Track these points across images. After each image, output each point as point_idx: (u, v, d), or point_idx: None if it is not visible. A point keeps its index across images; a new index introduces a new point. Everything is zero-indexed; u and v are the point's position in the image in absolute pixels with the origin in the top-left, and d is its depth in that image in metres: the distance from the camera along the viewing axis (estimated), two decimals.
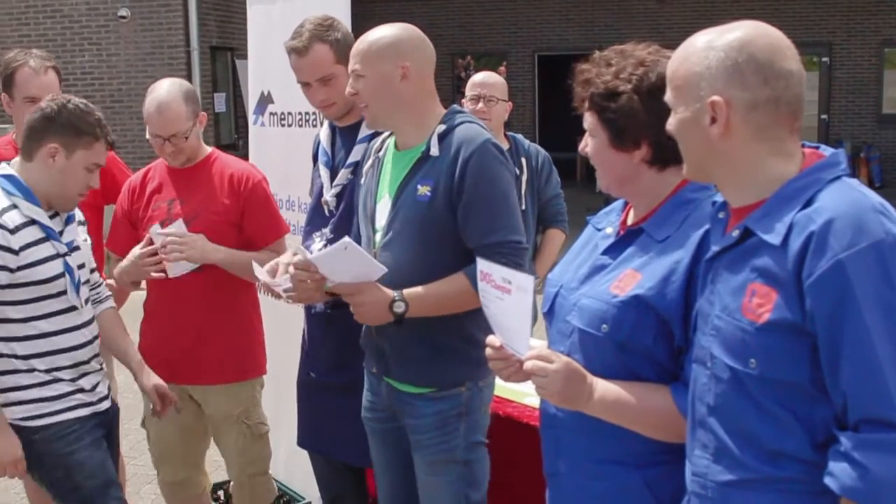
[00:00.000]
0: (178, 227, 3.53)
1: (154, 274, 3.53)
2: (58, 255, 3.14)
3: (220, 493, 4.29)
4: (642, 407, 2.10)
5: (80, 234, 3.29)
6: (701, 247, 2.08)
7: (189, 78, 13.54)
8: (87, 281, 3.31)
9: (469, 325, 2.85)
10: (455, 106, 3.00)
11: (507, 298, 2.19)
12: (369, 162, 3.08)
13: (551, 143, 22.33)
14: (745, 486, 1.85)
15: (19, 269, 3.06)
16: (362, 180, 3.09)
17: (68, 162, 3.15)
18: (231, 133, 15.21)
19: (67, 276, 3.14)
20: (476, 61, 20.69)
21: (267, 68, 4.48)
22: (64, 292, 3.15)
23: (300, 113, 4.28)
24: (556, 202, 5.00)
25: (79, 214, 3.35)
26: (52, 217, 3.18)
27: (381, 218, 2.95)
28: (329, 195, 3.35)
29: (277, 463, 4.19)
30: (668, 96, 1.96)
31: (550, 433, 2.33)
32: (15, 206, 3.11)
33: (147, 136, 3.63)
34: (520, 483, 3.23)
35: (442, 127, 2.88)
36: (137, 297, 3.81)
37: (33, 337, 3.14)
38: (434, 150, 2.85)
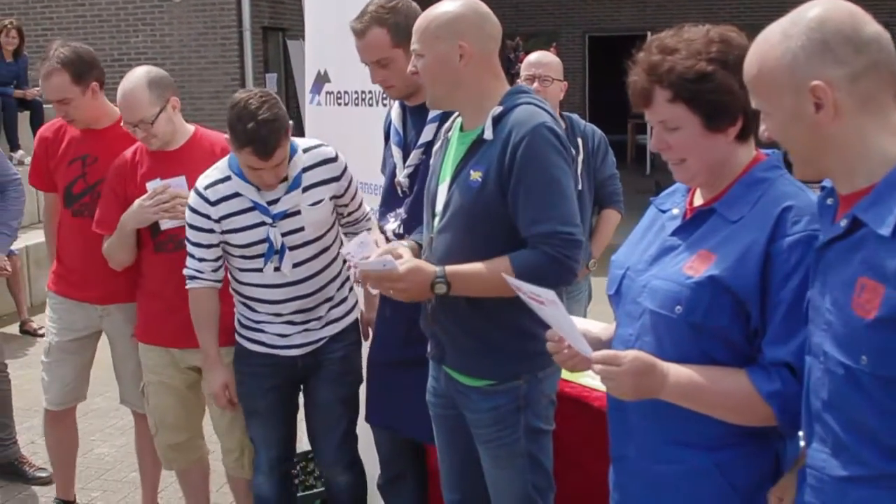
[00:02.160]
0: (181, 183, 3.63)
1: (161, 220, 3.72)
2: (260, 224, 3.41)
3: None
4: (719, 391, 2.05)
5: (305, 199, 3.44)
6: (777, 227, 2.04)
7: (241, 58, 13.65)
8: (315, 240, 3.49)
9: (523, 319, 2.68)
10: (520, 85, 2.91)
11: (544, 309, 2.18)
12: (439, 143, 3.03)
13: (601, 125, 22.04)
14: (863, 483, 1.78)
15: (224, 233, 3.44)
16: (431, 161, 3.04)
17: None
18: None
19: (267, 243, 3.41)
20: (525, 42, 20.60)
21: (323, 47, 4.48)
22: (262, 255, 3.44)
23: (356, 92, 4.26)
24: (612, 182, 4.99)
25: (307, 179, 3.46)
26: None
27: (440, 202, 2.89)
28: (402, 176, 3.31)
29: None
30: (756, 103, 1.88)
31: (618, 415, 2.30)
32: (229, 179, 3.42)
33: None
34: (580, 463, 3.20)
35: (498, 109, 2.78)
36: None
37: (246, 284, 3.53)
38: (488, 134, 2.76)
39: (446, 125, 3.04)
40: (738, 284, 2.04)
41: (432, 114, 3.24)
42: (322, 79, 4.56)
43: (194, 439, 4.13)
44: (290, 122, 3.36)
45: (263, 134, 3.20)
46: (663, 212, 2.33)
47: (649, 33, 19.74)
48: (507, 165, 2.70)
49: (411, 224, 3.22)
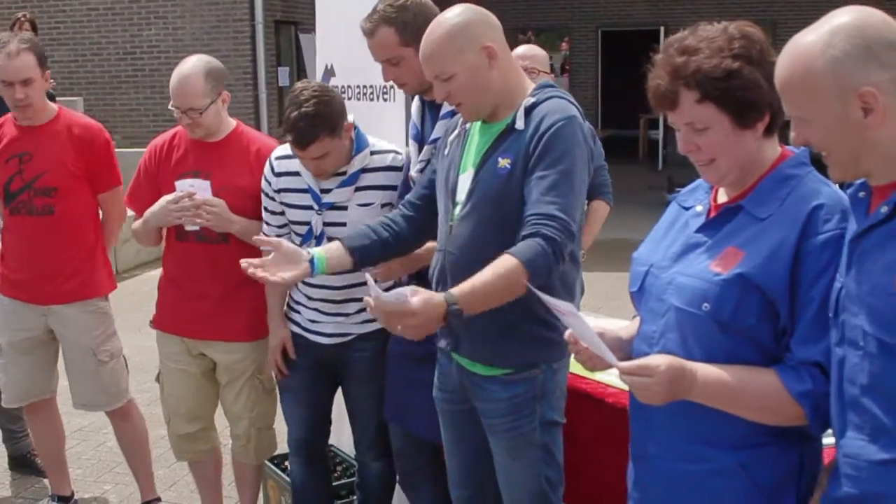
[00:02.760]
0: (205, 188, 3.64)
1: (181, 223, 3.71)
2: (307, 208, 3.51)
3: (287, 464, 4.33)
4: (748, 391, 2.04)
5: (356, 197, 3.47)
6: (808, 225, 2.02)
7: (253, 52, 13.65)
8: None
9: (540, 308, 2.62)
10: (547, 80, 2.93)
11: (565, 319, 2.17)
12: (455, 133, 3.00)
13: (614, 120, 22.00)
14: None
15: (281, 204, 3.58)
16: (446, 151, 3.02)
17: None
18: None
19: (307, 227, 3.52)
20: (536, 36, 20.56)
21: (331, 41, 4.48)
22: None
23: (359, 86, 4.26)
24: (601, 173, 4.89)
25: (365, 179, 3.49)
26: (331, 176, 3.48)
27: (463, 190, 2.88)
28: (414, 171, 3.31)
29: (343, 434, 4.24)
30: (794, 110, 1.87)
31: (640, 414, 2.27)
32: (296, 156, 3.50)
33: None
34: (595, 460, 3.19)
35: (530, 100, 2.79)
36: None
37: None
38: (519, 124, 2.77)
39: (461, 118, 3.03)
40: (767, 282, 2.02)
41: (445, 110, 3.23)
42: (329, 73, 4.57)
43: (206, 430, 4.15)
44: (350, 121, 3.41)
45: (301, 126, 3.28)
46: (686, 208, 2.31)
47: (662, 28, 19.74)
48: (531, 152, 2.71)
49: None
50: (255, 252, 3.39)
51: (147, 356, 4.12)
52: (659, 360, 2.02)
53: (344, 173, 3.48)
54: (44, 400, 4.47)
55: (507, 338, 2.83)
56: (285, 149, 3.60)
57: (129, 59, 14.17)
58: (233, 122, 3.90)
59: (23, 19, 11.00)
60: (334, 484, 4.07)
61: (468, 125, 2.98)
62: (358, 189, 3.48)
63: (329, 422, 3.85)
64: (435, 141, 3.25)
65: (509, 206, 2.74)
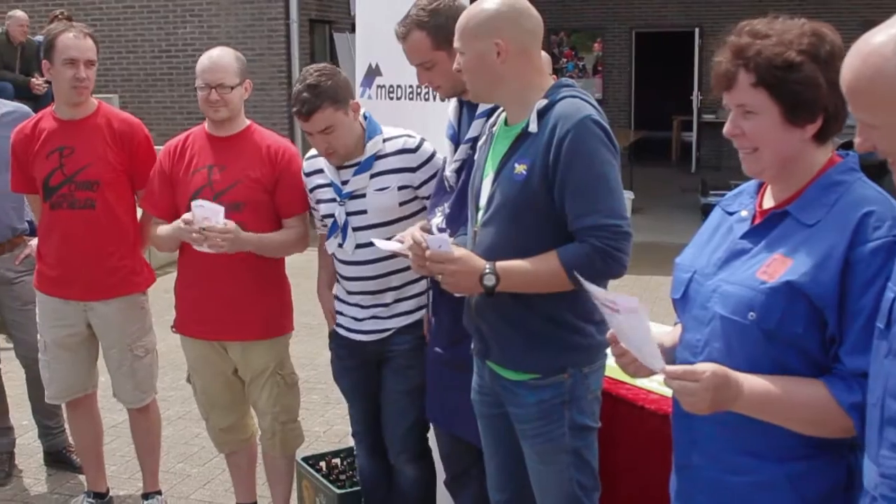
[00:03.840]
0: (218, 212, 3.63)
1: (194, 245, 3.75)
2: (332, 200, 3.61)
3: (322, 464, 4.37)
4: (795, 402, 2.00)
5: (373, 183, 3.56)
6: (857, 232, 1.98)
7: (287, 50, 13.67)
8: (380, 225, 3.55)
9: (564, 311, 2.79)
10: (564, 79, 2.91)
11: (618, 317, 2.10)
12: (483, 138, 3.04)
13: (647, 122, 21.88)
14: None
15: (317, 202, 3.72)
16: (476, 156, 3.05)
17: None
18: None
19: (332, 219, 3.62)
20: (568, 37, 20.48)
21: (375, 40, 4.45)
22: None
23: (410, 86, 4.23)
24: None
25: (379, 165, 3.57)
26: (347, 166, 3.59)
27: (484, 196, 2.90)
28: (449, 170, 3.32)
29: None
30: (862, 114, 1.77)
31: (684, 423, 2.23)
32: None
33: (198, 88, 3.81)
34: (636, 467, 3.16)
35: (543, 102, 2.77)
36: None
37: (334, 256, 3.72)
38: (533, 127, 2.76)
39: (491, 120, 3.05)
40: (815, 291, 1.98)
41: (481, 109, 3.23)
42: (373, 72, 4.54)
43: (243, 418, 4.22)
44: (355, 100, 3.55)
45: (304, 96, 3.43)
46: (730, 213, 2.28)
47: (696, 30, 19.63)
48: (552, 159, 2.70)
49: (454, 219, 3.22)
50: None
51: (181, 353, 4.15)
52: (705, 367, 1.98)
53: (358, 163, 3.57)
54: (85, 395, 4.50)
55: (534, 343, 2.83)
56: (313, 150, 3.71)
57: (164, 56, 14.24)
58: (247, 121, 4.00)
59: (60, 17, 11.13)
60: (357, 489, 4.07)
61: (495, 128, 2.99)
62: (373, 175, 3.57)
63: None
64: (470, 140, 3.25)
65: (527, 212, 2.75)
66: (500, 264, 2.72)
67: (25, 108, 4.99)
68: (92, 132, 4.18)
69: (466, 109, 3.37)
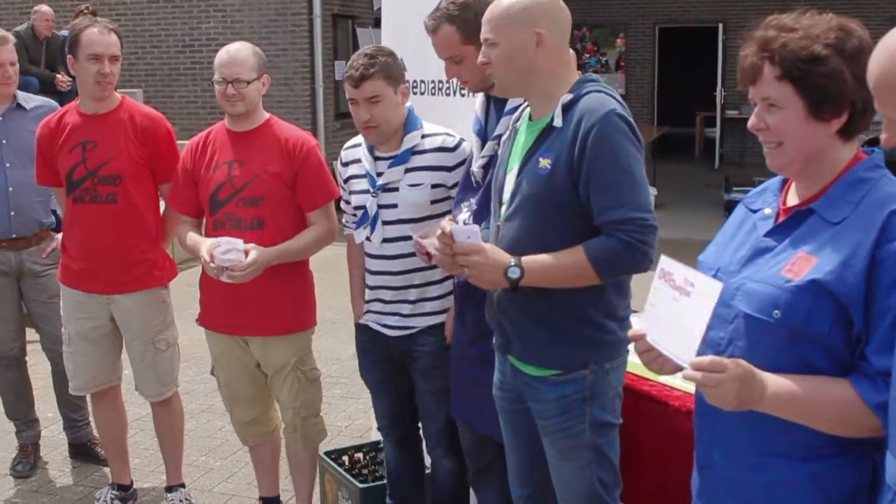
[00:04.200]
0: (236, 245, 3.67)
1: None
2: (365, 192, 3.64)
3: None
4: (821, 401, 1.99)
5: (407, 178, 3.59)
6: (884, 230, 1.96)
7: (311, 45, 13.69)
8: (409, 221, 3.56)
9: (587, 306, 2.79)
10: (589, 74, 2.90)
11: (682, 300, 2.06)
12: (507, 132, 3.04)
13: (670, 118, 21.77)
14: None
15: (350, 193, 3.75)
16: (499, 151, 3.05)
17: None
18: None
19: (363, 210, 3.65)
20: (591, 32, 20.42)
21: (401, 35, 4.45)
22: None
23: (433, 81, 4.24)
24: None
25: (416, 161, 3.60)
26: (384, 158, 3.63)
27: (507, 190, 2.90)
28: (476, 166, 3.33)
29: None
30: (889, 112, 1.77)
31: (707, 420, 2.23)
32: (360, 145, 3.74)
33: (215, 83, 3.89)
34: (658, 464, 3.15)
35: (568, 97, 2.78)
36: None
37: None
38: (558, 122, 2.76)
39: (514, 115, 3.05)
40: (841, 289, 1.97)
41: (509, 105, 3.23)
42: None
43: (267, 412, 4.24)
44: (406, 83, 3.67)
45: (359, 62, 3.53)
46: (753, 211, 2.26)
47: (720, 25, 19.55)
48: (577, 153, 2.70)
49: (481, 214, 3.21)
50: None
51: (203, 347, 4.18)
52: (731, 360, 1.97)
53: (395, 156, 3.60)
54: (109, 387, 4.54)
55: (556, 339, 2.83)
56: (353, 140, 3.79)
57: (187, 51, 14.29)
58: (266, 114, 4.02)
59: (86, 11, 11.19)
60: (381, 483, 4.09)
61: (518, 123, 2.98)
62: (408, 170, 3.58)
63: (414, 406, 3.83)
64: (497, 137, 3.25)
65: (551, 206, 2.75)
66: (525, 258, 2.72)
67: (53, 102, 5.03)
68: (115, 127, 4.21)
69: (494, 105, 3.37)
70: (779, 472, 2.10)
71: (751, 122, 2.15)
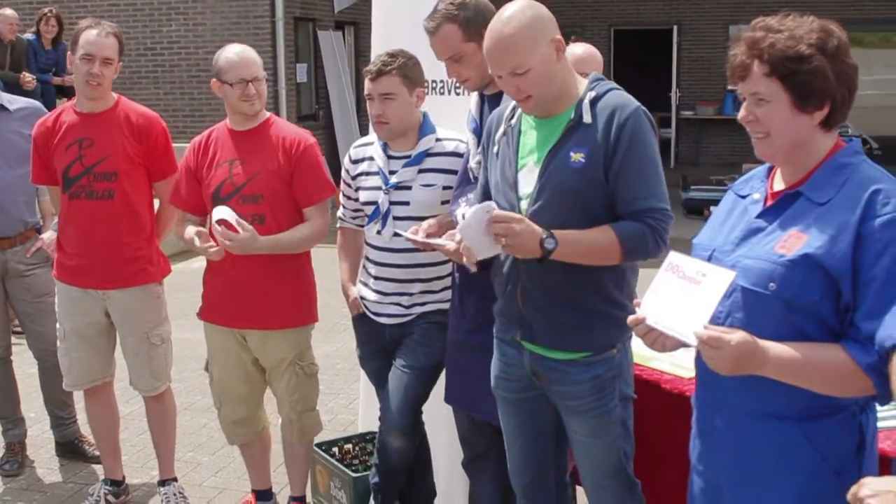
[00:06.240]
0: (229, 213, 3.78)
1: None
2: (377, 188, 3.76)
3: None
4: (817, 365, 2.17)
5: (420, 178, 3.72)
6: (867, 208, 2.16)
7: (273, 48, 13.72)
8: (420, 219, 3.56)
9: (610, 286, 2.94)
10: (596, 73, 3.02)
11: (691, 287, 2.24)
12: (500, 130, 3.07)
13: None
14: None
15: (357, 189, 3.86)
16: (495, 149, 3.08)
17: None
18: (311, 103, 15.39)
19: (375, 206, 3.76)
20: None
21: (392, 37, 4.50)
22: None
23: (431, 81, 4.19)
24: None
25: (429, 163, 3.73)
26: (397, 158, 3.76)
27: (527, 185, 2.94)
28: (473, 162, 3.43)
29: None
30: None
31: (709, 390, 2.42)
32: (372, 144, 3.87)
33: (228, 85, 3.92)
34: (651, 444, 3.29)
35: (592, 94, 2.90)
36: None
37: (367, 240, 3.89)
38: (587, 118, 2.86)
39: (506, 114, 3.09)
40: (831, 262, 2.16)
41: (504, 103, 3.31)
42: None
43: (256, 412, 4.31)
44: (422, 88, 3.74)
45: (381, 59, 3.68)
46: (742, 196, 2.46)
47: (675, 28, 19.84)
48: (612, 145, 2.83)
49: None
50: None
51: (184, 346, 4.21)
52: (732, 335, 2.15)
53: (409, 156, 3.73)
54: (103, 383, 4.60)
55: (586, 322, 2.95)
56: (364, 138, 3.96)
57: (149, 54, 14.26)
58: (267, 114, 4.12)
59: (49, 14, 11.17)
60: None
61: (513, 121, 3.05)
62: (422, 171, 3.72)
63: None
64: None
65: (586, 198, 2.86)
66: (558, 231, 2.80)
67: (37, 103, 5.10)
68: (111, 125, 4.29)
69: (488, 103, 3.47)
70: (774, 433, 2.29)
71: (741, 115, 2.34)
